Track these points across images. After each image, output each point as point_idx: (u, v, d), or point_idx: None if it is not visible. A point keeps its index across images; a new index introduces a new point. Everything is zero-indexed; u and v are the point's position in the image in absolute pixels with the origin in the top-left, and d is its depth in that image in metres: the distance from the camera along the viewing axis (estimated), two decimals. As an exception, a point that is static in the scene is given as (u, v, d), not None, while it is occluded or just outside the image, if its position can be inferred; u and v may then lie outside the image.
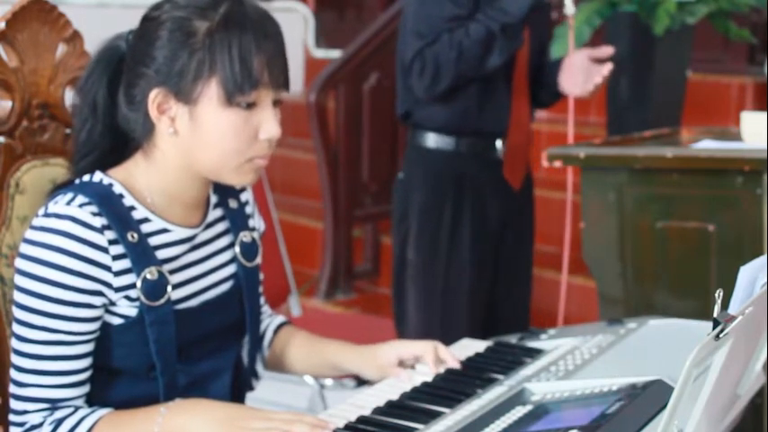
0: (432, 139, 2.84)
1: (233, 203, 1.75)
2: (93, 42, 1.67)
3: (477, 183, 2.84)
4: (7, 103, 1.70)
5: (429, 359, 1.74)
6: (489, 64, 2.71)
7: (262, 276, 1.81)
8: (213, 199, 1.71)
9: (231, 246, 1.73)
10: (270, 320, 1.90)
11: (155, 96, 1.54)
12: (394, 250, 2.94)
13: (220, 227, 1.73)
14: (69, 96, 1.75)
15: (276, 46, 1.56)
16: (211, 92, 1.52)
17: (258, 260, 1.77)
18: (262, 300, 1.85)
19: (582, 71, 2.80)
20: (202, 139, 1.55)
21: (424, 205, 2.85)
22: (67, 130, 1.76)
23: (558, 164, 2.50)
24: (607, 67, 2.78)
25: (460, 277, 2.83)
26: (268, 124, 1.56)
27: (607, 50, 2.84)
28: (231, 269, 1.73)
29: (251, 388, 1.84)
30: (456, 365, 1.75)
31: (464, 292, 2.83)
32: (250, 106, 1.54)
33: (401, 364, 1.77)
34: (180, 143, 1.57)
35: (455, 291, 2.83)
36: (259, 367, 1.86)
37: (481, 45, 2.68)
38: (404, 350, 1.77)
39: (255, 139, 1.56)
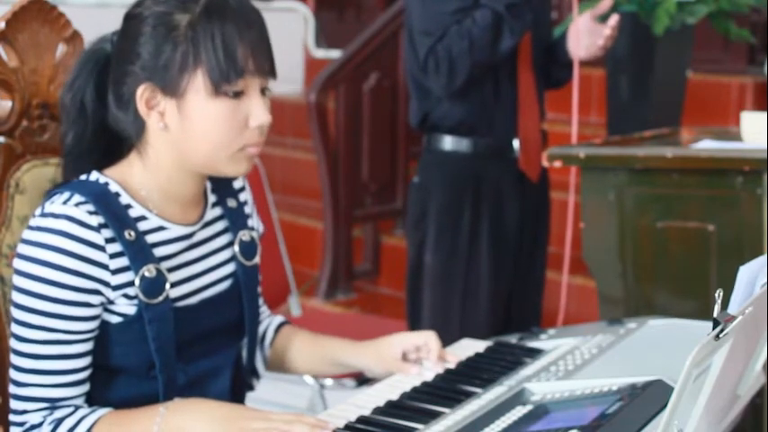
0: (449, 142, 2.82)
1: (232, 203, 1.75)
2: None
3: (495, 184, 2.82)
4: (7, 103, 1.70)
5: (432, 346, 1.76)
6: (502, 47, 2.68)
7: (260, 277, 1.81)
8: (212, 198, 1.71)
9: (230, 245, 1.73)
10: (270, 320, 1.90)
11: (142, 92, 1.54)
12: (409, 254, 2.92)
13: (219, 226, 1.73)
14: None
15: (259, 34, 1.56)
16: (198, 83, 1.53)
17: (257, 260, 1.77)
18: (260, 300, 1.85)
19: (587, 33, 2.78)
20: (192, 131, 1.55)
21: (442, 208, 2.82)
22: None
23: (558, 164, 2.50)
24: (614, 18, 2.75)
25: (480, 279, 2.81)
26: (257, 111, 1.56)
27: (606, 3, 2.80)
28: (230, 268, 1.73)
29: (251, 388, 1.84)
30: (452, 360, 1.77)
31: (484, 294, 2.82)
32: (237, 95, 1.55)
33: (404, 357, 1.77)
34: (171, 138, 1.57)
35: (475, 293, 2.82)
36: (260, 366, 1.86)
37: (490, 29, 2.65)
38: (406, 342, 1.78)
39: (246, 127, 1.57)
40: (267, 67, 1.57)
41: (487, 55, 2.69)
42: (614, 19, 2.76)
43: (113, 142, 1.62)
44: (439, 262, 2.83)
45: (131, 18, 1.57)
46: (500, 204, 2.82)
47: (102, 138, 1.62)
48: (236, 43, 1.53)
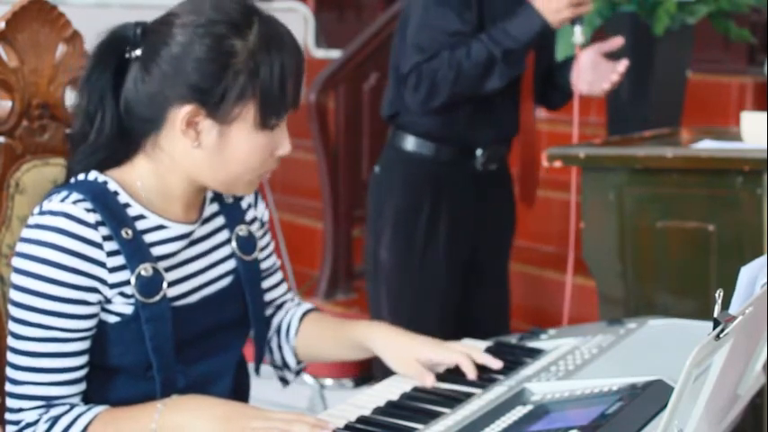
0: (411, 143, 2.80)
1: (228, 198, 1.75)
2: (93, 42, 1.66)
3: (454, 188, 2.81)
4: (7, 103, 1.70)
5: (468, 371, 1.71)
6: (487, 87, 2.66)
7: (277, 266, 1.81)
8: (209, 194, 1.71)
9: (229, 241, 1.73)
10: (294, 311, 1.88)
11: (186, 113, 1.53)
12: (367, 249, 2.93)
13: (217, 222, 1.72)
14: (69, 96, 1.75)
15: (302, 67, 1.57)
16: (248, 115, 1.53)
17: (256, 253, 1.76)
18: (284, 287, 1.85)
19: (593, 68, 2.76)
20: (227, 156, 1.56)
21: (399, 206, 2.82)
22: (68, 130, 1.76)
23: (557, 164, 2.50)
24: (623, 64, 2.74)
25: (433, 279, 2.81)
26: (284, 142, 1.59)
27: (617, 42, 2.79)
28: (231, 264, 1.72)
29: (286, 382, 1.86)
30: (498, 365, 1.73)
31: (436, 294, 2.81)
32: (274, 128, 1.56)
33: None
34: (199, 155, 1.56)
35: (427, 293, 2.82)
36: (290, 359, 1.86)
37: (481, 68, 2.62)
38: (437, 359, 1.74)
39: (272, 156, 1.59)
40: (300, 101, 1.58)
41: (470, 89, 2.66)
42: (623, 64, 2.73)
43: (123, 140, 1.60)
44: (393, 259, 2.84)
45: (170, 25, 1.54)
46: (458, 206, 2.81)
47: (117, 133, 1.59)
48: (288, 79, 1.53)
